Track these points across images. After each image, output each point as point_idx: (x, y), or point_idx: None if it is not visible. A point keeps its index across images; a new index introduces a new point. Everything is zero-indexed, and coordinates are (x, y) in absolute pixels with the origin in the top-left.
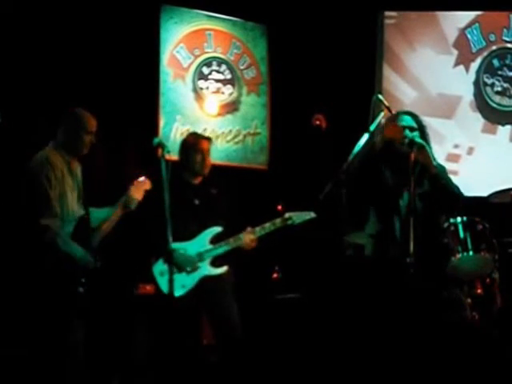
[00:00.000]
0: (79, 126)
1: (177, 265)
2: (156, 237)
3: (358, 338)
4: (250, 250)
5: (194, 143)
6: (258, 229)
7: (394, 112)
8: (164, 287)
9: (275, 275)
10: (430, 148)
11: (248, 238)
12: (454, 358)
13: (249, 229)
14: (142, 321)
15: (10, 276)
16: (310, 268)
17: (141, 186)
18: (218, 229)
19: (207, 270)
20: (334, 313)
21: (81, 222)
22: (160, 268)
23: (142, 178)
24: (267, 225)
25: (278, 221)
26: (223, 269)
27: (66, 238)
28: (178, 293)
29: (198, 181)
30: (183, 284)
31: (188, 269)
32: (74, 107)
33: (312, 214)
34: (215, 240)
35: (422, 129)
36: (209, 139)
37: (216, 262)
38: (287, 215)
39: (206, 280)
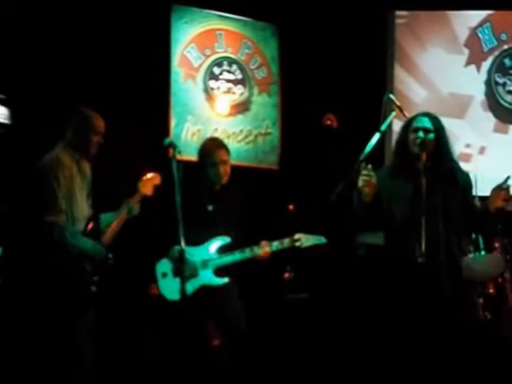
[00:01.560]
0: (87, 127)
1: (175, 267)
2: (162, 237)
3: (368, 337)
4: (263, 261)
5: (210, 154)
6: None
7: (408, 114)
8: (164, 289)
9: (287, 275)
10: (450, 147)
11: (265, 251)
12: (467, 357)
13: (264, 242)
14: (153, 321)
15: (19, 276)
16: (322, 268)
17: (150, 182)
18: (226, 239)
19: (209, 278)
20: (345, 312)
21: (90, 220)
22: (162, 269)
23: (150, 174)
24: (275, 243)
25: (286, 241)
26: (224, 280)
27: (74, 231)
28: (174, 296)
29: (217, 186)
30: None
31: (187, 274)
32: (81, 107)
33: (322, 240)
34: (222, 250)
35: (439, 131)
36: (226, 148)
37: (219, 272)
38: (297, 236)
39: (206, 288)
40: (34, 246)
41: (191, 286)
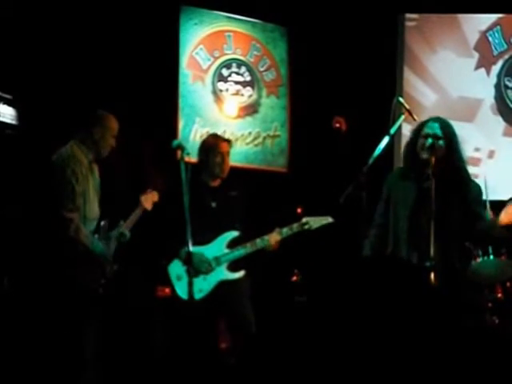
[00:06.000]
0: (107, 130)
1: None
2: (171, 239)
3: (374, 340)
4: (272, 252)
5: (213, 145)
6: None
7: (418, 117)
8: (180, 291)
9: (294, 277)
10: (461, 155)
11: (274, 239)
12: (474, 362)
13: (277, 229)
14: (161, 323)
15: (29, 272)
16: (329, 270)
17: (150, 198)
18: (234, 233)
19: (224, 274)
20: (350, 315)
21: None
22: (176, 271)
23: (149, 191)
24: (284, 229)
25: (295, 225)
26: (240, 273)
27: (87, 232)
28: (195, 297)
29: (216, 183)
30: (200, 288)
31: (203, 270)
32: (99, 110)
33: (329, 219)
34: (232, 244)
35: (449, 138)
36: (228, 141)
37: (233, 266)
38: (304, 220)
39: (223, 284)
40: (44, 239)
41: (209, 284)
